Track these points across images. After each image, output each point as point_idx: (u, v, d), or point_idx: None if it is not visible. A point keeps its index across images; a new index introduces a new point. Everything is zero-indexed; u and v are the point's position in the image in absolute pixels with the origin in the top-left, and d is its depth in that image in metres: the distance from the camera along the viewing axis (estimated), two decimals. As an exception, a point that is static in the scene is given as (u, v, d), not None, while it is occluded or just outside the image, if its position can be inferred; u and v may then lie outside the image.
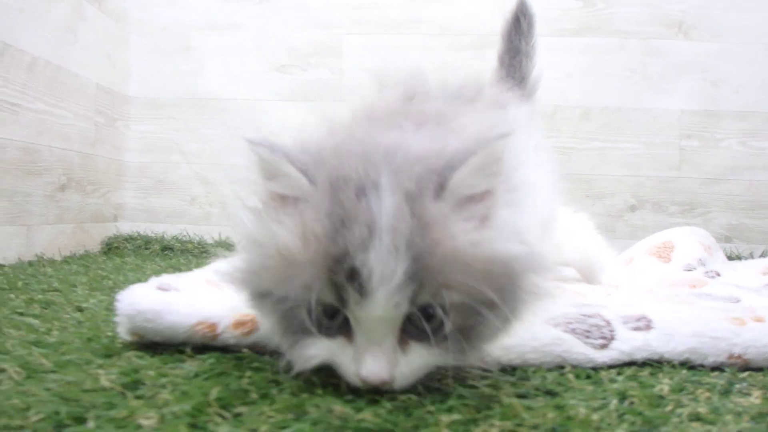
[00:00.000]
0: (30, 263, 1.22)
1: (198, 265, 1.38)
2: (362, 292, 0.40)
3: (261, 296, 0.45)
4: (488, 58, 1.05)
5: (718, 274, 1.11)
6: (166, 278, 0.62)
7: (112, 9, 1.67)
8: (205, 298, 0.57)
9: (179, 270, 1.29)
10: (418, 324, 0.42)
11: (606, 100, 1.79)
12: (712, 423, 0.41)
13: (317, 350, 0.44)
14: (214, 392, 0.40)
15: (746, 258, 1.63)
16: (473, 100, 0.66)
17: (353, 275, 0.40)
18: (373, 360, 0.42)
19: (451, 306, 0.41)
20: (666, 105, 1.79)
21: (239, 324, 0.54)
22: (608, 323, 0.59)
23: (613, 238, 1.77)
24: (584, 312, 0.60)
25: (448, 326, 0.42)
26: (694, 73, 1.78)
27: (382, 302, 0.40)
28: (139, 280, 1.04)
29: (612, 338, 0.57)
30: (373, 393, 0.43)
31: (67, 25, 1.43)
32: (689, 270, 1.15)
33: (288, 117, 1.81)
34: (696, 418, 0.43)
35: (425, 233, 0.40)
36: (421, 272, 0.40)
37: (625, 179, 1.82)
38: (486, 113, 0.63)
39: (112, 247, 1.64)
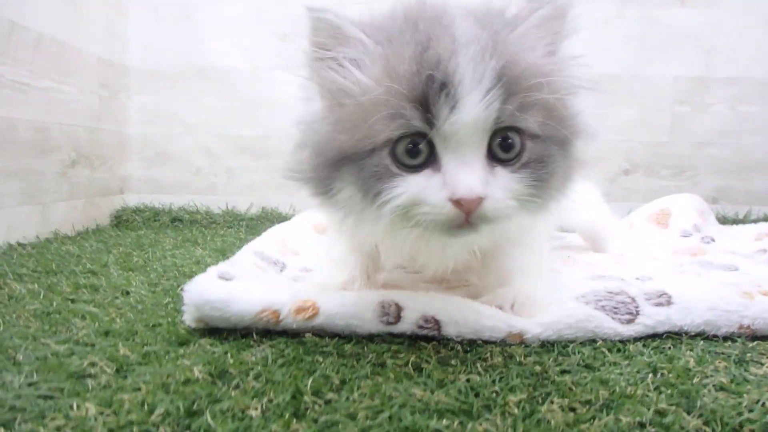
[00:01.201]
0: (48, 240, 1.24)
1: (212, 236, 1.42)
2: (454, 98, 0.42)
3: (337, 164, 0.47)
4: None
5: (713, 240, 1.18)
6: (224, 266, 0.66)
7: (110, -23, 1.62)
8: (266, 286, 0.61)
9: (195, 243, 1.32)
10: (499, 152, 0.46)
11: (603, 67, 1.83)
12: (737, 393, 0.47)
13: (405, 187, 0.45)
14: (308, 381, 0.45)
15: (732, 219, 1.72)
16: None
17: (445, 83, 0.42)
18: (465, 176, 0.44)
19: (527, 133, 0.46)
20: (661, 72, 1.83)
21: (301, 310, 0.58)
22: (633, 300, 0.65)
23: (607, 202, 1.85)
24: (611, 290, 0.66)
25: (525, 155, 0.46)
26: (689, 40, 1.81)
27: (474, 105, 0.42)
28: (164, 257, 1.09)
29: (638, 313, 0.63)
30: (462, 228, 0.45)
31: (67, -3, 1.40)
32: (686, 236, 1.22)
33: (291, 86, 1.80)
34: (721, 388, 0.49)
35: (504, 46, 0.45)
36: (506, 79, 0.43)
37: (619, 144, 1.87)
38: None
39: (121, 221, 1.65)
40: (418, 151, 0.44)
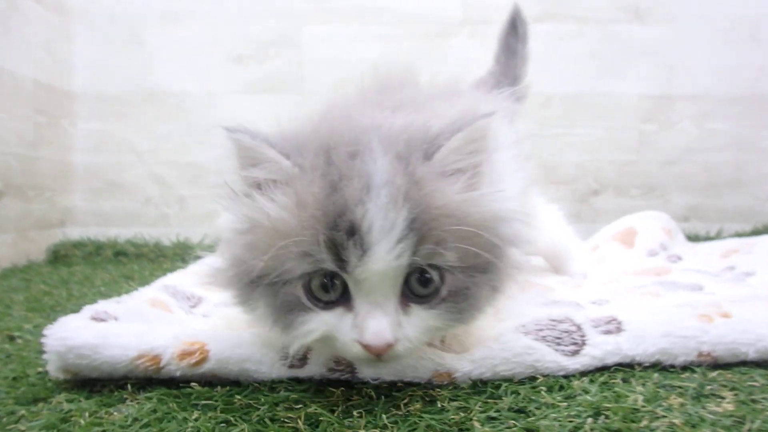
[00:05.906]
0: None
1: (154, 271, 1.32)
2: (363, 247, 0.40)
3: (252, 283, 0.44)
4: (450, 47, 1.02)
5: (680, 258, 1.12)
6: (103, 305, 0.57)
7: (52, 0, 1.56)
8: (147, 327, 0.52)
9: (131, 279, 1.22)
10: (416, 288, 0.43)
11: (566, 86, 1.79)
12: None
13: (316, 324, 0.44)
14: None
15: (704, 237, 1.67)
16: (451, 97, 0.64)
17: (353, 230, 0.40)
18: (375, 322, 0.42)
19: (446, 268, 0.43)
20: (624, 90, 1.80)
21: (186, 354, 0.49)
22: (579, 328, 0.56)
23: (577, 222, 1.79)
24: (554, 317, 0.58)
25: (444, 289, 0.44)
26: (650, 57, 1.79)
27: (383, 255, 0.40)
28: (85, 295, 0.99)
29: (583, 344, 0.55)
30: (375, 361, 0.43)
31: (-4, 20, 1.32)
32: (652, 255, 1.16)
33: (246, 110, 1.74)
34: (672, 430, 0.41)
35: (419, 188, 0.42)
36: (419, 225, 0.41)
37: (587, 164, 1.83)
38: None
39: (59, 256, 1.54)
40: (332, 286, 0.43)
